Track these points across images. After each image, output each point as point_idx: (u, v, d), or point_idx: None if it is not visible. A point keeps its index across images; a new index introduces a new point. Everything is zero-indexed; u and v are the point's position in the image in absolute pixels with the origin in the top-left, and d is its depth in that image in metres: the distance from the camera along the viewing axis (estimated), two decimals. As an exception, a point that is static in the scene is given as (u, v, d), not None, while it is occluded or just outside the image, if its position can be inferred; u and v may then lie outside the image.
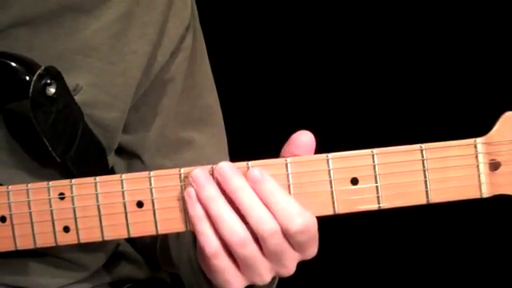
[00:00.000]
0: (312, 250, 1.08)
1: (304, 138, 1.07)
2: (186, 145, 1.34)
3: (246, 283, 1.08)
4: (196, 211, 1.05)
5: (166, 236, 1.32)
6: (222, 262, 1.06)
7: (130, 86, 1.27)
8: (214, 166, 1.06)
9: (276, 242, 1.04)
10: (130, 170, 1.33)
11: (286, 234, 1.05)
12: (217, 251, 1.05)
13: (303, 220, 1.04)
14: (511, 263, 2.33)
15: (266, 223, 1.04)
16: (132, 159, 1.34)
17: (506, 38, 2.22)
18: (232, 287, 1.08)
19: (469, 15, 2.26)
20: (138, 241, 1.40)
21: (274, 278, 1.12)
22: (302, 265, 1.10)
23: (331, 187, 1.07)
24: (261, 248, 1.05)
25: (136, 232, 1.09)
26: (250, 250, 1.05)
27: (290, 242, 1.05)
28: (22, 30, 1.21)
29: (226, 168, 1.05)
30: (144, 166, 1.32)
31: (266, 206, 1.04)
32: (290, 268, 1.08)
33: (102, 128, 1.25)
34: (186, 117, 1.34)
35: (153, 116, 1.32)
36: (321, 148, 1.09)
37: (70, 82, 1.19)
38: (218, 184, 1.05)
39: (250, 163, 1.07)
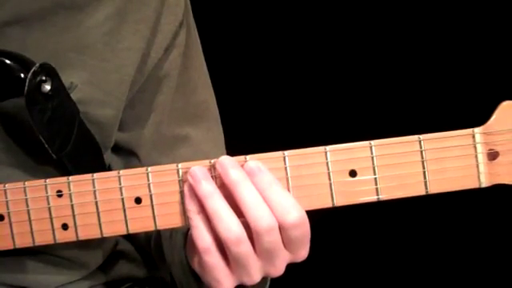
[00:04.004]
0: (303, 252, 1.08)
1: None
2: (182, 141, 1.33)
3: (235, 283, 1.08)
4: (192, 206, 1.05)
5: (159, 235, 1.31)
6: (212, 259, 1.06)
7: (124, 83, 1.26)
8: (215, 160, 1.06)
9: (271, 239, 1.04)
10: (126, 167, 1.31)
11: (282, 229, 1.04)
12: (209, 247, 1.05)
13: (299, 213, 1.04)
14: (511, 253, 2.33)
15: (264, 219, 1.03)
16: (129, 157, 1.33)
17: (502, 28, 2.22)
18: (221, 286, 1.07)
19: (464, 5, 2.26)
20: (133, 239, 1.40)
21: (264, 279, 1.12)
22: (299, 263, 1.10)
23: (330, 179, 1.07)
24: (254, 246, 1.05)
25: (135, 228, 1.09)
26: (244, 248, 1.04)
27: (283, 240, 1.05)
28: (14, 29, 1.20)
29: (227, 161, 1.05)
30: (141, 164, 1.32)
31: (263, 198, 1.04)
32: (279, 269, 1.08)
33: (97, 125, 1.25)
34: (181, 113, 1.34)
35: (148, 113, 1.32)
36: (319, 140, 1.08)
37: (64, 80, 1.19)
38: (219, 178, 1.05)
39: (248, 157, 1.06)
